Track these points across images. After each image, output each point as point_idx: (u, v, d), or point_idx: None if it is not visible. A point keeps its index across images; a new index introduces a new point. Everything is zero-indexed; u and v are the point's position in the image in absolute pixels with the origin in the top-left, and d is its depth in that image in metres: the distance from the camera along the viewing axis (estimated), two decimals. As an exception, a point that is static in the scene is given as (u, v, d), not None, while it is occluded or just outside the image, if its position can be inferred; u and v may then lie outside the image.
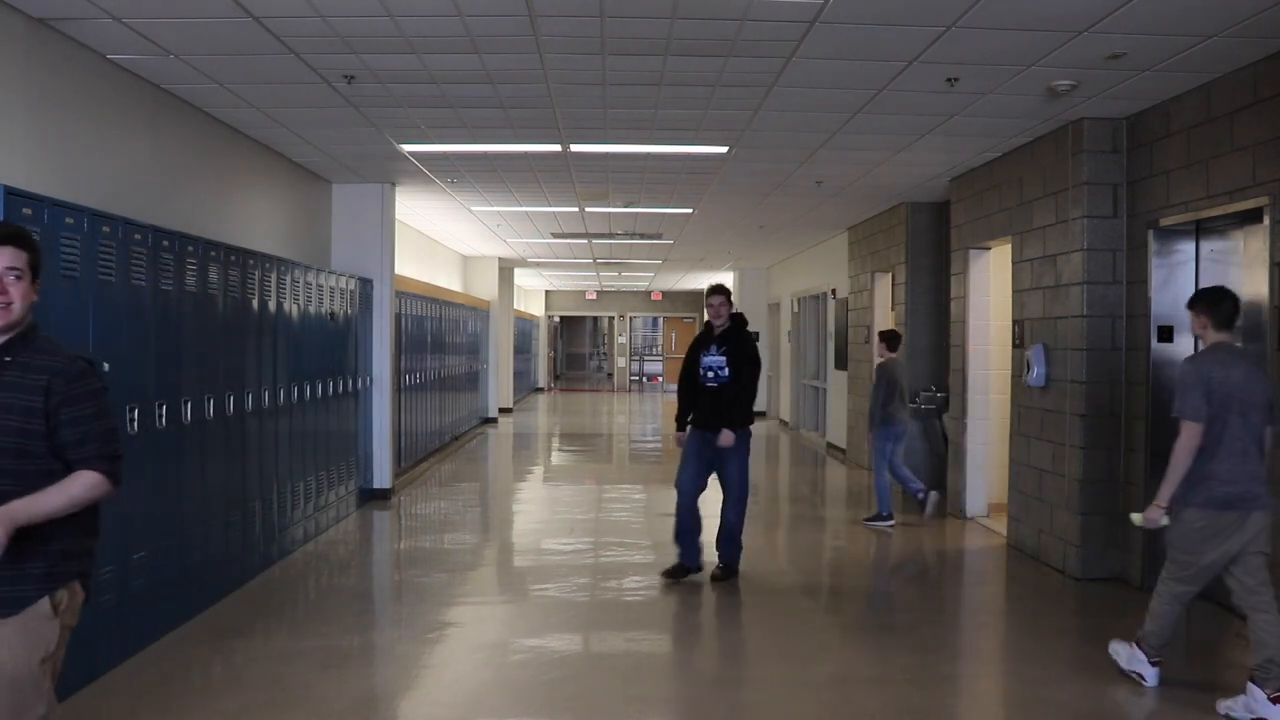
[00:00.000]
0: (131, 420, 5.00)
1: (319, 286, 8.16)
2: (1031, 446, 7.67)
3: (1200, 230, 6.30)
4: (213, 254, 6.04)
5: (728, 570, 6.89)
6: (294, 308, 7.53)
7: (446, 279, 16.13)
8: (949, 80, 5.98)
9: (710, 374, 6.78)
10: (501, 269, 19.61)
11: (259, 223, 8.06)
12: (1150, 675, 4.78)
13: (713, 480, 6.93)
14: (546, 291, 31.40)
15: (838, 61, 5.70)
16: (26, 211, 4.17)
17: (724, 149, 8.13)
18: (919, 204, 10.85)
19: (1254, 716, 4.29)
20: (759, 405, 20.47)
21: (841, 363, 13.72)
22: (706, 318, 7.05)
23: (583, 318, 39.77)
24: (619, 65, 5.82)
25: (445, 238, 15.14)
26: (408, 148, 8.17)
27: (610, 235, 14.65)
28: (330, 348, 8.49)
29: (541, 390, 30.56)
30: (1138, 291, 6.63)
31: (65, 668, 4.38)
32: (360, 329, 9.45)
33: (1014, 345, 8.02)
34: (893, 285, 11.61)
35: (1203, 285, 6.22)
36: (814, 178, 9.47)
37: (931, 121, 7.08)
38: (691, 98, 6.51)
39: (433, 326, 13.11)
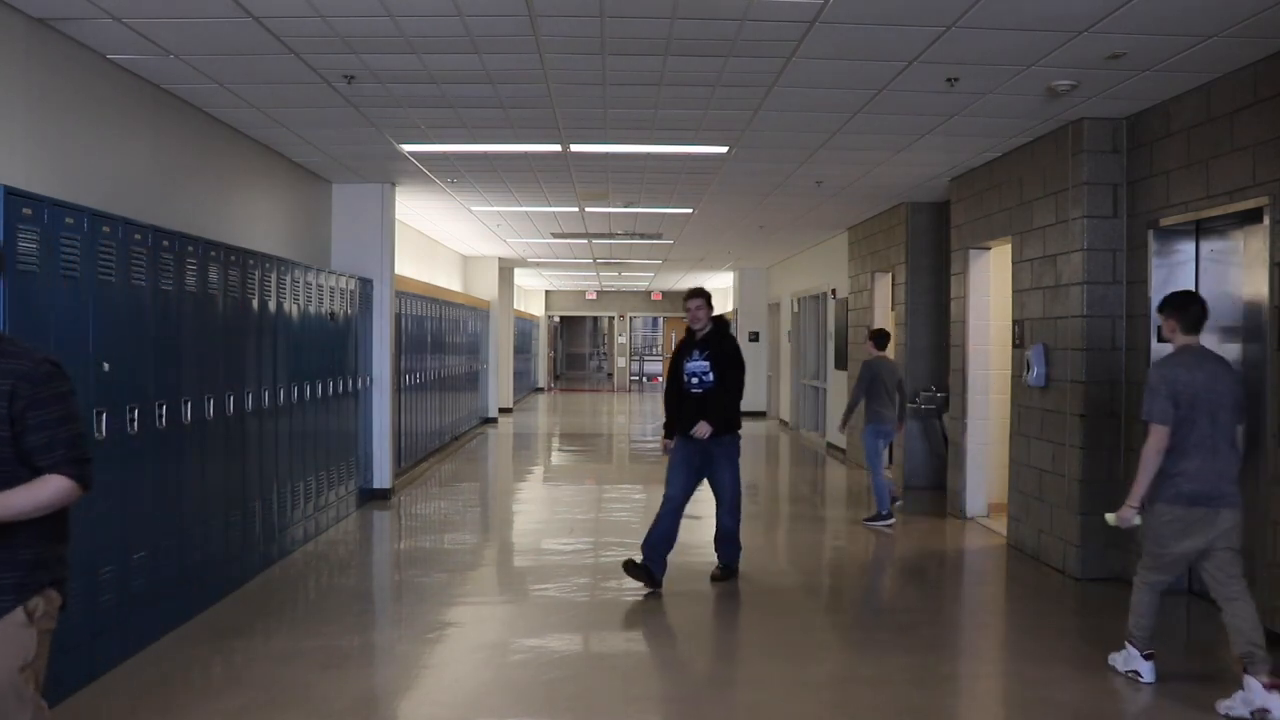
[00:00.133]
0: (132, 420, 5.00)
1: (319, 286, 8.16)
2: (1031, 446, 7.67)
3: (1200, 230, 6.30)
4: (213, 254, 6.04)
5: (728, 570, 6.89)
6: (294, 308, 7.53)
7: (446, 279, 16.13)
8: (949, 80, 5.98)
9: (695, 380, 6.67)
10: (501, 269, 19.61)
11: (259, 223, 8.06)
12: (1146, 671, 4.82)
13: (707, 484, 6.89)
14: (546, 291, 31.40)
15: (838, 61, 5.70)
16: (26, 211, 4.17)
17: (724, 149, 8.13)
18: (919, 204, 10.86)
19: (1254, 708, 4.31)
20: (759, 405, 20.65)
21: (841, 363, 13.71)
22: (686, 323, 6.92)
23: (583, 318, 39.80)
24: (619, 65, 5.82)
25: (445, 238, 15.14)
26: (408, 148, 8.17)
27: (610, 235, 14.66)
28: (330, 348, 8.49)
29: (541, 390, 30.57)
30: (1138, 291, 6.64)
31: (65, 668, 4.41)
32: (360, 329, 9.45)
33: (1014, 345, 8.02)
34: (893, 285, 11.61)
35: (1203, 285, 6.25)
36: (814, 178, 9.47)
37: (931, 121, 7.08)
38: (691, 98, 6.51)
39: (433, 326, 13.11)
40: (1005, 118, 6.92)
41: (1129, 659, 4.89)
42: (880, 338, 9.27)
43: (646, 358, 38.12)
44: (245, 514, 6.60)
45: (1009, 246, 8.21)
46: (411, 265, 12.96)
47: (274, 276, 7.09)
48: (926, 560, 8.01)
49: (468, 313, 16.39)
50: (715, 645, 5.94)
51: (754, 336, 20.69)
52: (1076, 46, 5.32)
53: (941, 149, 8.00)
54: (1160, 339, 5.14)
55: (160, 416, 5.31)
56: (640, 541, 6.69)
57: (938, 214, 10.66)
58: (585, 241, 15.44)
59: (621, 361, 33.20)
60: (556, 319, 34.91)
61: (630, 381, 33.20)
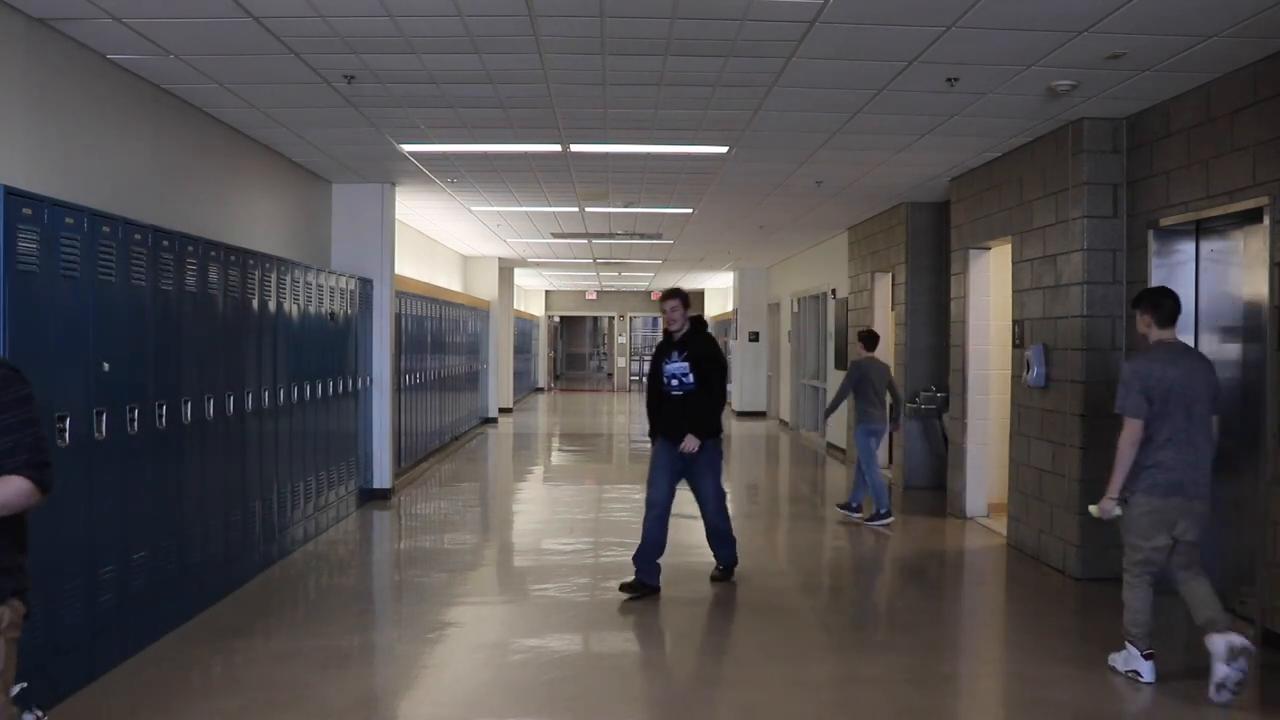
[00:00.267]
0: (132, 420, 5.00)
1: (319, 286, 8.16)
2: (1031, 446, 7.67)
3: (1200, 230, 6.30)
4: (213, 254, 6.04)
5: (726, 570, 6.89)
6: (294, 308, 7.53)
7: (446, 279, 16.13)
8: (949, 80, 5.98)
9: (674, 382, 6.59)
10: (501, 269, 19.61)
11: (259, 223, 8.06)
12: (1146, 670, 4.83)
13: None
14: (546, 291, 31.41)
15: (838, 61, 5.70)
16: (26, 211, 4.16)
17: (724, 149, 8.13)
18: (919, 204, 10.85)
19: (1227, 665, 4.46)
20: (758, 405, 20.65)
21: (841, 363, 13.70)
22: (662, 325, 6.84)
23: (583, 318, 39.79)
24: (619, 65, 5.82)
25: (445, 238, 15.14)
26: (408, 148, 8.17)
27: (610, 235, 14.66)
28: (330, 348, 8.49)
29: (541, 390, 30.58)
30: (1138, 292, 6.62)
31: (65, 668, 4.41)
32: (360, 329, 9.45)
33: (1014, 345, 8.02)
34: (893, 285, 11.61)
35: (1203, 285, 6.25)
36: (814, 178, 9.47)
37: (931, 121, 7.08)
38: (691, 98, 6.51)
39: (433, 326, 13.11)
40: (1005, 118, 6.92)
41: (1129, 659, 4.90)
42: (869, 339, 9.36)
43: (646, 358, 38.10)
44: (245, 514, 6.60)
45: (1009, 246, 8.21)
46: (411, 265, 12.96)
47: (274, 276, 7.09)
48: (926, 560, 8.01)
49: (467, 313, 16.39)
50: (715, 645, 5.94)
51: (754, 336, 20.69)
52: (1076, 46, 5.32)
53: (941, 149, 8.00)
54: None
55: (160, 416, 5.31)
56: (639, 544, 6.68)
57: (938, 214, 10.66)
58: (585, 241, 15.44)
59: (621, 361, 33.21)
60: (556, 319, 34.91)
61: (630, 381, 33.19)
